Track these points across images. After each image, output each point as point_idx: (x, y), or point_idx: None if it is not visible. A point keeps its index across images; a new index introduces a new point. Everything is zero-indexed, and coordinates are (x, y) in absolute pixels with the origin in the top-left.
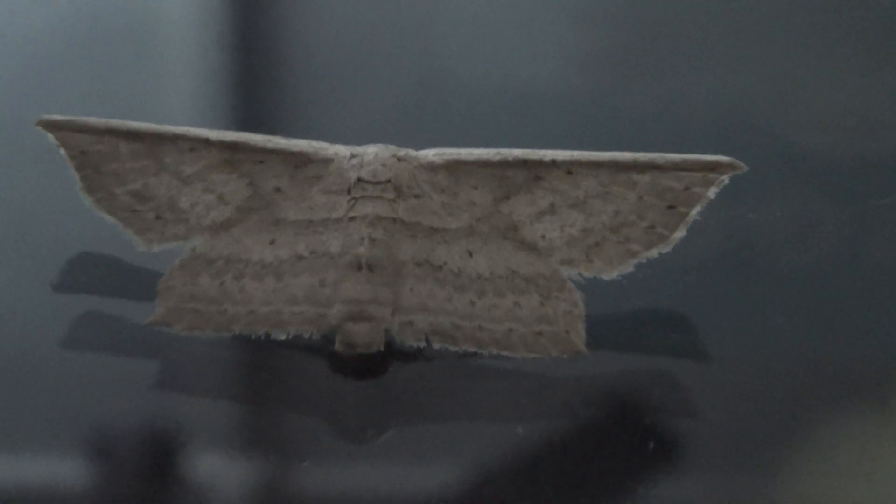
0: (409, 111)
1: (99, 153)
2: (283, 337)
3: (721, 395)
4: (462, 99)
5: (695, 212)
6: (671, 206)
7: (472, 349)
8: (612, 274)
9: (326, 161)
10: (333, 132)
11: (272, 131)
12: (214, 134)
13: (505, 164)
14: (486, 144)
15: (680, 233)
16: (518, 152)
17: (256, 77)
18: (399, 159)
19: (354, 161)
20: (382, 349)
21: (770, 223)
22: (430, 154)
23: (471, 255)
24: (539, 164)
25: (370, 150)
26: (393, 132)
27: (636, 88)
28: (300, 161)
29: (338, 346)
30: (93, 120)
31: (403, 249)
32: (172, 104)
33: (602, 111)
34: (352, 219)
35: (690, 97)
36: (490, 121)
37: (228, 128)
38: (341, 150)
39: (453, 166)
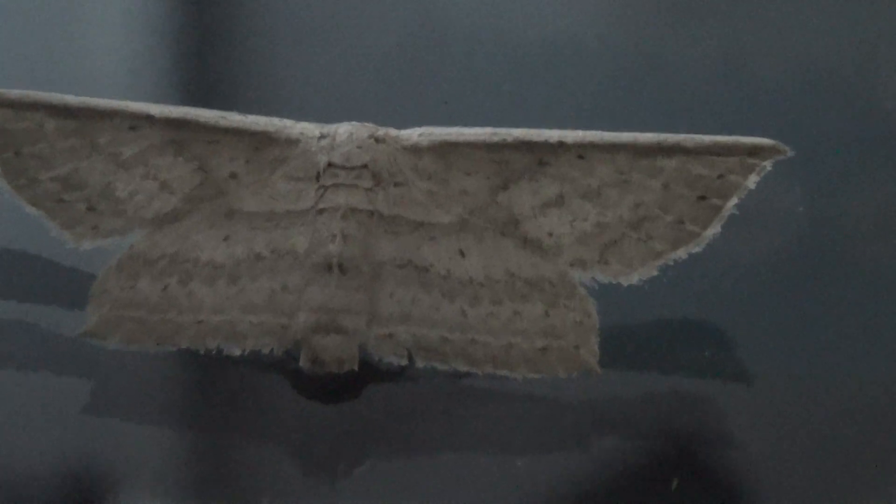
0: (391, 80)
1: (20, 131)
2: (238, 352)
3: (761, 424)
4: (456, 61)
5: (731, 204)
6: (702, 198)
7: (463, 367)
8: (631, 278)
9: (291, 142)
10: (300, 107)
11: (227, 107)
12: (158, 109)
13: (504, 147)
14: (486, 120)
15: (713, 229)
16: (519, 132)
17: (207, 40)
18: (377, 140)
19: (324, 142)
20: (356, 367)
21: (826, 218)
22: (415, 134)
23: (463, 254)
24: (544, 146)
25: (343, 129)
26: (370, 107)
27: (682, 38)
28: (260, 142)
29: (303, 364)
30: (13, 92)
31: (382, 248)
32: (108, 74)
33: (637, 68)
34: (321, 211)
35: (752, 50)
36: (491, 88)
37: (175, 102)
38: (309, 128)
39: (442, 149)
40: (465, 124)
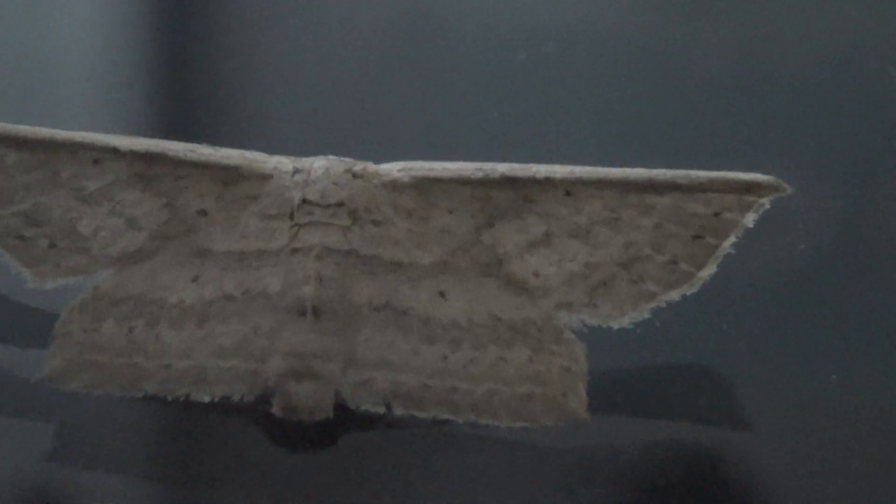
0: (369, 106)
1: None
2: (207, 399)
3: (763, 477)
4: (440, 78)
5: (727, 244)
6: (697, 237)
7: (444, 415)
8: (622, 321)
9: (263, 177)
10: (272, 140)
11: (196, 139)
12: (124, 142)
13: (488, 183)
14: (472, 140)
15: (708, 270)
16: (504, 167)
17: (177, 68)
18: (355, 175)
19: (299, 177)
20: (332, 415)
21: (827, 256)
22: (395, 169)
23: (444, 296)
24: (530, 182)
25: (318, 164)
26: (347, 140)
27: (704, 29)
28: (230, 177)
29: (276, 411)
30: None
31: (359, 290)
32: (72, 106)
33: (652, 62)
34: (295, 251)
35: (761, 51)
36: (480, 104)
37: (142, 135)
38: (283, 162)
39: (423, 185)
40: (448, 158)
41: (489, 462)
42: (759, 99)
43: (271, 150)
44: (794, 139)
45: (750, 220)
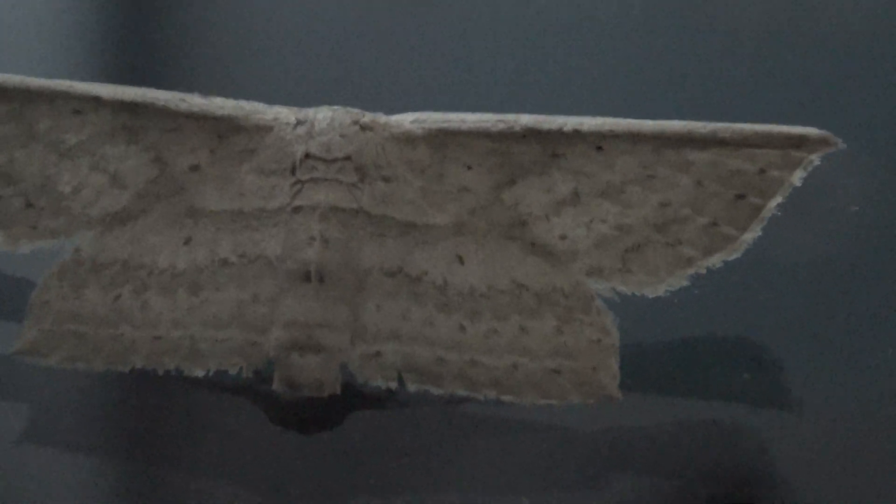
0: (379, 56)
1: None
2: (200, 374)
3: (809, 458)
4: (456, 34)
5: (773, 204)
6: (740, 196)
7: (461, 392)
8: (658, 289)
9: (262, 129)
10: (273, 89)
11: (188, 88)
12: (107, 90)
13: (510, 136)
14: (489, 104)
15: (752, 233)
16: (528, 119)
17: (167, 9)
18: (363, 127)
19: (301, 129)
20: (338, 391)
21: (885, 220)
22: (407, 121)
23: (461, 261)
24: (557, 135)
25: (323, 115)
26: (355, 88)
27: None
28: (225, 129)
29: (277, 387)
30: None
31: (367, 253)
32: (50, 51)
33: (663, 43)
34: (297, 210)
35: (798, 23)
36: (497, 66)
37: (125, 83)
38: (283, 113)
39: (438, 138)
40: (465, 109)
41: (511, 445)
42: (806, 47)
43: (271, 101)
44: (846, 90)
45: (798, 178)
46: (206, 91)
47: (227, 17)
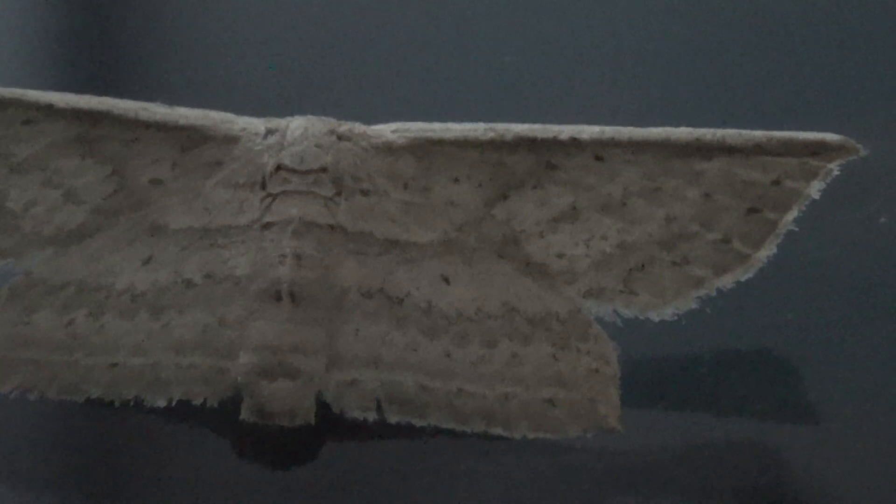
0: (359, 64)
1: None
2: (163, 404)
3: (831, 474)
4: (443, 38)
5: (789, 218)
6: (753, 210)
7: (447, 424)
8: (664, 311)
9: (229, 139)
10: (243, 97)
11: (152, 97)
12: (62, 98)
13: (501, 146)
14: (479, 114)
15: (767, 250)
16: (521, 128)
17: (126, 11)
18: (340, 137)
19: (272, 139)
20: (312, 421)
21: None
22: (388, 130)
23: (448, 282)
24: (553, 144)
25: (296, 124)
26: (332, 95)
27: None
28: (190, 140)
29: (246, 416)
30: None
31: (345, 272)
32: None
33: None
34: (268, 225)
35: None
36: (489, 74)
37: (85, 92)
38: (253, 123)
39: (423, 148)
40: (458, 119)
41: (502, 479)
42: (827, 46)
43: (243, 111)
44: (868, 92)
45: (816, 189)
46: (173, 100)
47: (197, 22)
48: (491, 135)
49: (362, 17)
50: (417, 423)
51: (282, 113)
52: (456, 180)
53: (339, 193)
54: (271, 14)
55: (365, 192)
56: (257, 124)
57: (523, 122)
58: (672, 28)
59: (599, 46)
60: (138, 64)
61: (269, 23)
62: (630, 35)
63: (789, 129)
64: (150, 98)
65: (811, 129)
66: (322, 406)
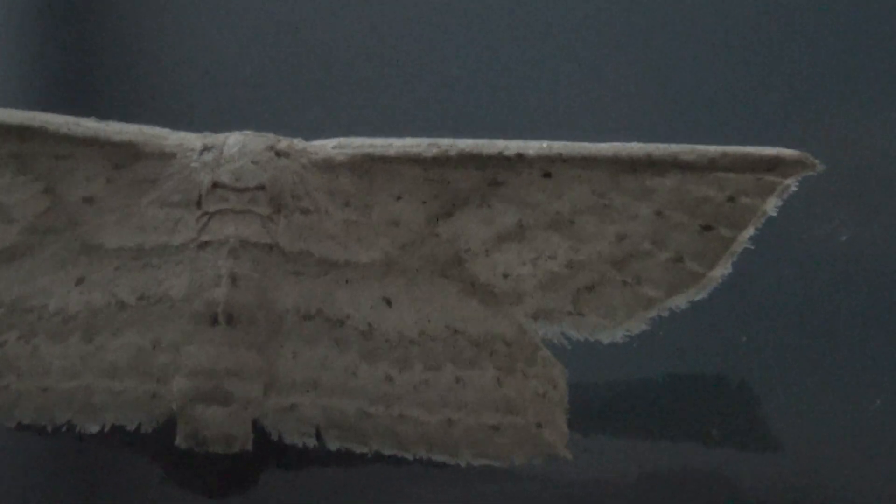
0: (299, 77)
1: None
2: (95, 429)
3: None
4: (388, 51)
5: (745, 236)
6: (707, 228)
7: (388, 450)
8: (615, 333)
9: (164, 156)
10: (180, 113)
11: (85, 112)
12: None
13: (444, 162)
14: (426, 128)
15: (722, 269)
16: (465, 143)
17: (62, 26)
18: (279, 153)
19: (208, 156)
20: (250, 447)
21: (875, 251)
22: (328, 146)
23: (389, 303)
24: (498, 160)
25: (233, 140)
26: (270, 111)
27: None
28: (124, 156)
29: (180, 443)
30: None
31: (283, 293)
32: None
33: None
34: (203, 245)
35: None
36: (439, 87)
37: (19, 107)
38: (188, 139)
39: (364, 165)
40: (398, 134)
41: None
42: (787, 59)
43: (180, 126)
44: (824, 106)
45: (772, 206)
46: (108, 116)
47: (137, 36)
48: (434, 151)
49: (316, 24)
50: (358, 449)
51: (232, 127)
52: (398, 198)
53: (277, 212)
54: (219, 23)
55: (304, 211)
56: (193, 140)
57: (473, 135)
58: (625, 41)
59: (546, 62)
60: (79, 81)
61: (215, 32)
62: (579, 47)
63: (746, 143)
64: (88, 113)
65: (768, 143)
66: (260, 432)
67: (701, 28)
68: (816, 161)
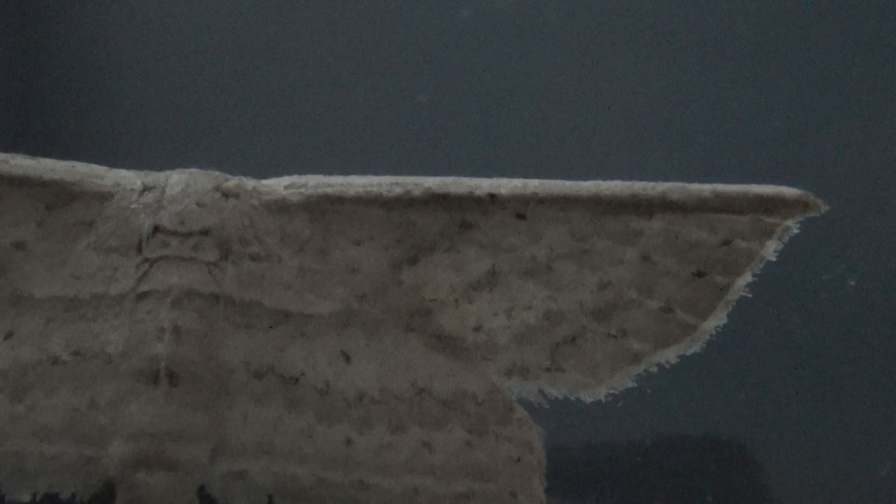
0: (247, 104)
1: None
2: (26, 498)
3: None
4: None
5: (742, 282)
6: (700, 274)
7: None
8: (598, 391)
9: (100, 196)
10: (118, 148)
11: (15, 147)
12: None
13: (409, 203)
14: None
15: (717, 320)
16: (432, 182)
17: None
18: (226, 194)
19: (149, 196)
20: None
21: (891, 294)
22: (281, 185)
23: (348, 359)
24: (468, 200)
25: (176, 179)
26: (216, 145)
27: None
28: (56, 196)
29: None
30: None
31: (232, 348)
32: None
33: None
34: (143, 295)
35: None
36: (409, 119)
37: None
38: (127, 177)
39: (320, 206)
40: (358, 170)
41: None
42: (787, 91)
43: (119, 163)
44: (829, 142)
45: (771, 250)
46: (39, 151)
47: (70, 62)
48: (398, 190)
49: (268, 48)
50: None
51: (174, 164)
52: (358, 242)
53: (224, 258)
54: (160, 49)
55: (254, 257)
56: (132, 178)
57: (441, 172)
58: (608, 66)
59: (523, 91)
60: (8, 111)
61: (156, 57)
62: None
63: (742, 178)
64: (18, 149)
65: (766, 179)
66: (206, 501)
67: (691, 55)
68: (819, 201)
